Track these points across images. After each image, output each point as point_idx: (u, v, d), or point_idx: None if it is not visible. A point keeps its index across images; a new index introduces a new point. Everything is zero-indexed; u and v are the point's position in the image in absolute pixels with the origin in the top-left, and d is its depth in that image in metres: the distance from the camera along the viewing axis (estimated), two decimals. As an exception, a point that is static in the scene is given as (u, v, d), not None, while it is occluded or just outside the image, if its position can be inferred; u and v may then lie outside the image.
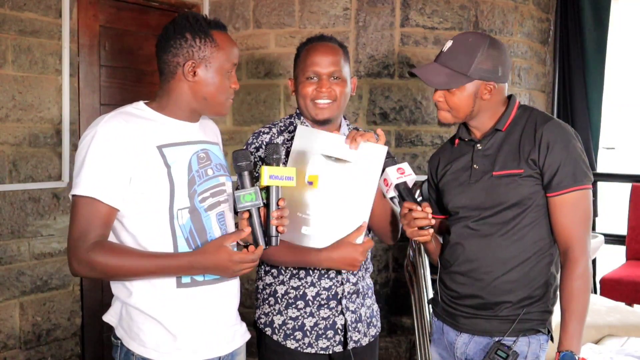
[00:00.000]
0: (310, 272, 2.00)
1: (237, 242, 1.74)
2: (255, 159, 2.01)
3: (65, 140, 3.29)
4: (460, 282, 1.92)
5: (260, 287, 2.08)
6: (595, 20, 4.53)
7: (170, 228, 1.64)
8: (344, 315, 2.01)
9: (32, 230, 3.22)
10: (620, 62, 6.20)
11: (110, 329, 1.73)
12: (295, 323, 2.00)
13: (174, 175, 1.64)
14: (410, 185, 1.90)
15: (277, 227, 1.66)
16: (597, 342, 3.07)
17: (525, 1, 4.16)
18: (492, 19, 3.97)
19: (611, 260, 5.08)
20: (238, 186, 1.67)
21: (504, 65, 1.84)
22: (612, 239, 4.83)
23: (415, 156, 3.82)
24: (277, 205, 1.67)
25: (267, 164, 1.71)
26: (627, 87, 7.83)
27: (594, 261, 4.55)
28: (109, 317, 1.72)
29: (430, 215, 1.85)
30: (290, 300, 2.01)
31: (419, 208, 1.84)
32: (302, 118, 2.06)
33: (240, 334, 1.80)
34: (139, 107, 1.70)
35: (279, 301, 2.02)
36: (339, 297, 2.01)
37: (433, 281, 2.10)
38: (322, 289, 2.00)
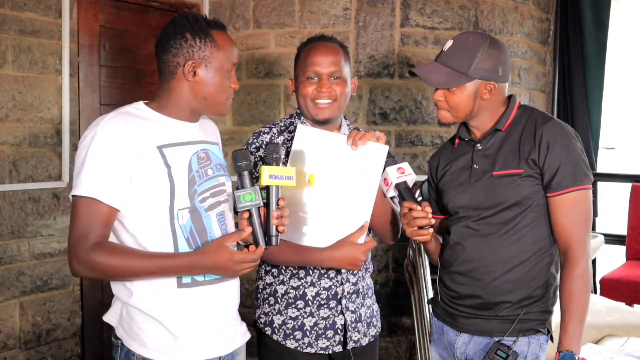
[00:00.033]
0: (310, 272, 2.00)
1: (237, 242, 1.74)
2: (256, 159, 2.01)
3: (65, 140, 3.29)
4: (460, 282, 1.92)
5: (261, 286, 2.08)
6: (595, 20, 4.53)
7: (170, 228, 1.64)
8: (343, 315, 2.01)
9: (32, 230, 3.22)
10: (620, 62, 6.19)
11: (110, 329, 1.73)
12: (295, 323, 2.00)
13: (174, 176, 1.64)
14: (410, 185, 1.90)
15: (277, 226, 1.66)
16: (597, 342, 3.07)
17: (525, 1, 4.16)
18: (492, 19, 3.97)
19: (611, 260, 5.08)
20: (238, 186, 1.67)
21: (504, 65, 1.84)
22: (612, 239, 4.83)
23: (415, 156, 3.82)
24: (277, 204, 1.67)
25: (267, 164, 1.71)
26: (627, 87, 7.83)
27: (594, 261, 4.55)
28: (109, 317, 1.72)
29: (430, 215, 1.85)
30: (290, 300, 2.01)
31: (419, 207, 1.84)
32: (302, 118, 2.06)
33: (241, 334, 1.80)
34: (139, 107, 1.70)
35: (279, 301, 2.02)
36: (338, 297, 2.01)
37: (433, 281, 2.10)
38: (321, 288, 2.00)
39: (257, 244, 1.64)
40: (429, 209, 1.85)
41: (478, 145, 1.91)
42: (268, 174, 1.66)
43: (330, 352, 2.01)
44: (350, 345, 2.02)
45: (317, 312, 2.00)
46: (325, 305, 2.01)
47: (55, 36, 3.23)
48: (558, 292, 1.85)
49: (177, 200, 1.64)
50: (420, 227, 1.85)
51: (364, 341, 2.06)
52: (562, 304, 1.78)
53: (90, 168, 1.57)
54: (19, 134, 3.13)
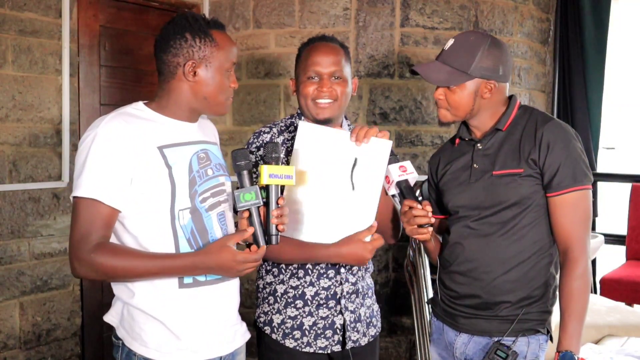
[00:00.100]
0: (309, 271, 2.00)
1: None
2: (257, 158, 2.01)
3: (65, 140, 3.29)
4: (459, 282, 1.92)
5: (261, 286, 2.09)
6: (595, 20, 4.53)
7: (171, 229, 1.64)
8: (342, 315, 2.01)
9: (32, 230, 3.22)
10: (620, 62, 6.20)
11: (110, 329, 1.72)
12: (294, 322, 2.00)
13: (175, 176, 1.64)
14: (411, 183, 1.91)
15: (277, 225, 1.66)
16: (597, 342, 3.07)
17: (525, 1, 4.16)
18: (492, 19, 3.97)
19: (611, 260, 5.08)
20: (238, 186, 1.67)
21: (505, 64, 1.85)
22: (612, 239, 4.83)
23: (415, 156, 3.82)
24: (277, 204, 1.67)
25: (266, 163, 1.71)
26: (627, 87, 7.83)
27: (594, 261, 4.55)
28: (110, 318, 1.72)
29: (430, 214, 1.86)
30: (289, 300, 2.01)
31: (419, 206, 1.84)
32: (302, 118, 2.06)
33: (241, 334, 1.81)
34: (139, 108, 1.70)
35: (278, 300, 2.02)
36: (337, 296, 2.01)
37: (433, 281, 2.10)
38: (321, 288, 2.00)
39: (257, 243, 1.64)
40: (429, 208, 1.86)
41: (478, 144, 1.91)
42: (268, 173, 1.66)
43: (329, 351, 2.01)
44: (349, 345, 2.02)
45: (316, 312, 2.00)
46: (325, 305, 2.01)
47: (55, 36, 3.23)
48: (558, 292, 1.85)
49: (178, 201, 1.63)
50: (420, 226, 1.86)
51: (363, 341, 2.06)
52: (562, 304, 1.78)
53: (91, 169, 1.57)
54: (19, 134, 3.13)
